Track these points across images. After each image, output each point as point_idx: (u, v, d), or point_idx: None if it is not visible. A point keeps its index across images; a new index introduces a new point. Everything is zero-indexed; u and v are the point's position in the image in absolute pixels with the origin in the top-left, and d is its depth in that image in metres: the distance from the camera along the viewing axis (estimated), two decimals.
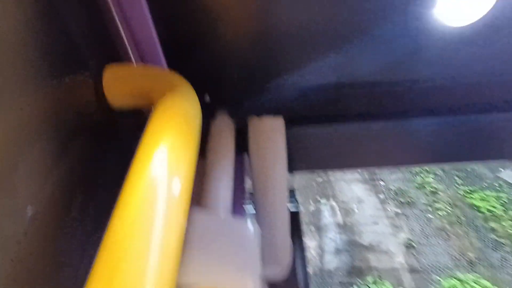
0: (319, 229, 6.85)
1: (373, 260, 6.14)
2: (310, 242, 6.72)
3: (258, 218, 0.65)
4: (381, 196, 7.00)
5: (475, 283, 5.04)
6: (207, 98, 0.60)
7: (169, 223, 0.32)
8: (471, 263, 5.51)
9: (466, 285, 5.01)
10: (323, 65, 0.54)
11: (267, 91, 0.58)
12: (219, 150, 0.56)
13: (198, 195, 0.53)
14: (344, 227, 6.74)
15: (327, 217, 6.96)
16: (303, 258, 0.85)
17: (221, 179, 0.49)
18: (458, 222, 6.26)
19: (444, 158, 0.74)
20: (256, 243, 0.47)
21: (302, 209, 6.19)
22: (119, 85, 0.54)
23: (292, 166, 0.79)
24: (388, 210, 6.77)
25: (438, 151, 0.72)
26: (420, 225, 6.43)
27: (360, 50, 0.53)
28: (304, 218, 7.02)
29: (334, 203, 7.05)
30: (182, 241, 0.35)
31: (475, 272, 5.32)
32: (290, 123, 0.65)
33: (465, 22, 0.50)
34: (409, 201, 6.81)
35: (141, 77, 0.54)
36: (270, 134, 0.60)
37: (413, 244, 6.01)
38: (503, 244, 5.74)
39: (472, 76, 0.55)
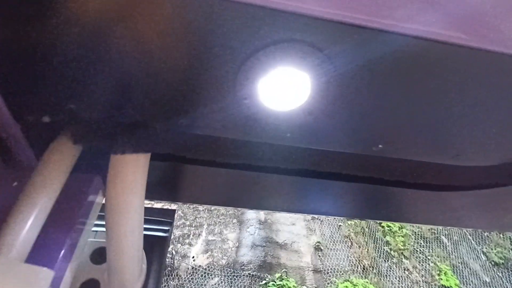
0: (241, 223, 7.12)
1: (284, 257, 6.58)
2: (230, 234, 6.95)
3: (108, 245, 0.67)
4: None
5: (364, 287, 5.71)
6: (46, 119, 0.57)
7: None
8: (364, 269, 6.23)
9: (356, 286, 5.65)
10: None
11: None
12: (38, 183, 0.54)
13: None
14: (264, 224, 7.09)
15: (251, 213, 7.26)
16: (158, 284, 0.87)
17: (26, 219, 0.53)
18: (362, 232, 6.98)
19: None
20: None
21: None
22: None
23: (176, 198, 0.86)
24: None
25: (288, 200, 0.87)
26: (331, 231, 7.05)
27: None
28: (228, 211, 7.20)
29: None
30: None
31: (366, 278, 6.04)
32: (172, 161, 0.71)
33: (288, 108, 0.62)
34: None
35: None
36: (129, 167, 0.63)
37: (321, 247, 6.58)
38: (392, 256, 6.58)
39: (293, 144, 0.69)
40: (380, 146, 0.68)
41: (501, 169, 0.77)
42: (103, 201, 0.78)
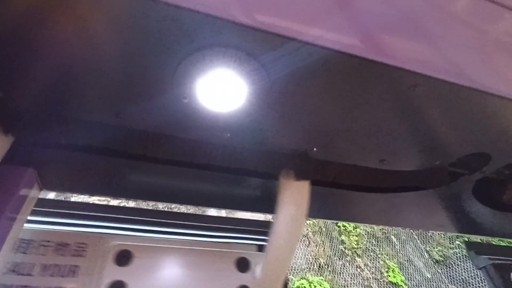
0: None
1: None
2: None
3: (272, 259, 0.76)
4: None
5: (318, 284, 5.91)
6: None
7: None
8: (320, 267, 6.45)
9: (311, 285, 5.83)
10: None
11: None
12: None
13: None
14: None
15: (212, 211, 7.23)
16: None
17: None
18: (319, 232, 7.22)
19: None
20: None
21: None
22: None
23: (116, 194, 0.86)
24: None
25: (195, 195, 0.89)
26: None
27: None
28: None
29: None
30: None
31: (321, 275, 6.26)
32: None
33: (227, 109, 0.64)
34: None
35: None
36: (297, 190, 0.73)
37: None
38: (346, 254, 6.88)
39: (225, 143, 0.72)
40: (315, 149, 0.73)
41: (423, 173, 0.86)
42: (39, 195, 0.76)
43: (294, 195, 0.76)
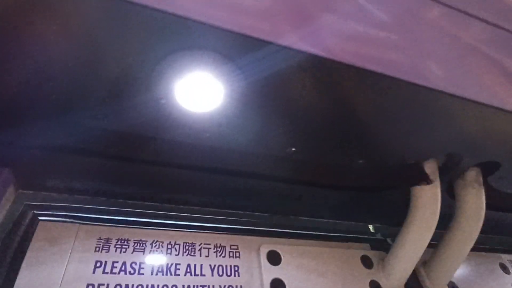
0: None
1: None
2: None
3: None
4: None
5: None
6: None
7: None
8: None
9: None
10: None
11: None
12: None
13: None
14: None
15: None
16: None
17: None
18: None
19: None
20: None
21: None
22: None
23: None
24: None
25: None
26: None
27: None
28: None
29: None
30: None
31: None
32: None
33: (205, 109, 0.66)
34: None
35: None
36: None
37: None
38: None
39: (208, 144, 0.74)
40: (293, 149, 0.75)
41: (400, 172, 0.89)
42: (15, 195, 0.75)
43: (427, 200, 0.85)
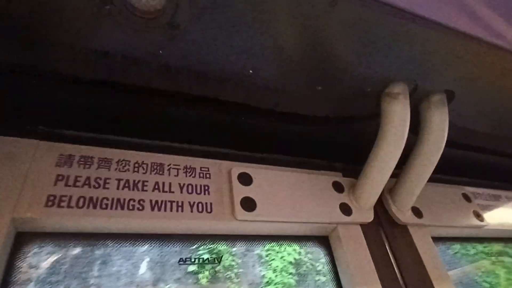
0: None
1: None
2: None
3: None
4: None
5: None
6: None
7: None
8: None
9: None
10: None
11: None
12: None
13: None
14: None
15: None
16: None
17: None
18: None
19: None
20: None
21: None
22: None
23: None
24: None
25: None
26: None
27: None
28: None
29: None
30: None
31: None
32: None
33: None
34: None
35: None
36: None
37: None
38: None
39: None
40: (250, 71, 0.74)
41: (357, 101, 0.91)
42: None
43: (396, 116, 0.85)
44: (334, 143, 1.06)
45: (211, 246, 0.93)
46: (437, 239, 1.10)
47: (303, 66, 0.77)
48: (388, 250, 1.01)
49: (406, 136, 0.87)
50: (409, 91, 0.87)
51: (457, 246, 1.47)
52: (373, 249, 0.97)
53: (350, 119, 0.97)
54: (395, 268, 0.99)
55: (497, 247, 1.58)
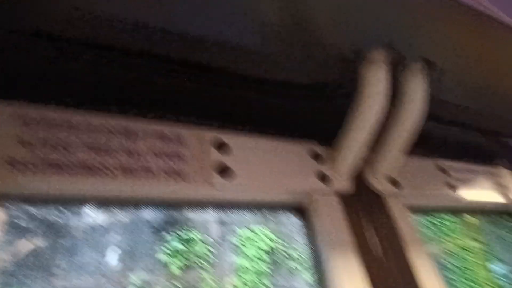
0: None
1: (191, 214, 6.70)
2: None
3: None
4: None
5: (262, 233, 6.25)
6: None
7: None
8: (264, 218, 6.79)
9: (255, 233, 6.15)
10: None
11: None
12: None
13: None
14: None
15: None
16: None
17: None
18: None
19: None
20: None
21: None
22: None
23: None
24: None
25: None
26: None
27: None
28: None
29: None
30: None
31: (266, 226, 6.61)
32: None
33: None
34: None
35: None
36: None
37: None
38: None
39: None
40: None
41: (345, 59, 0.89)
42: None
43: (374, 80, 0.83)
44: (312, 112, 1.04)
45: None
46: (413, 210, 1.12)
47: (281, 31, 0.74)
48: (366, 220, 1.02)
49: (384, 102, 0.86)
50: (388, 58, 0.86)
51: None
52: (351, 219, 0.98)
53: (328, 86, 0.96)
54: (373, 238, 1.00)
55: None
